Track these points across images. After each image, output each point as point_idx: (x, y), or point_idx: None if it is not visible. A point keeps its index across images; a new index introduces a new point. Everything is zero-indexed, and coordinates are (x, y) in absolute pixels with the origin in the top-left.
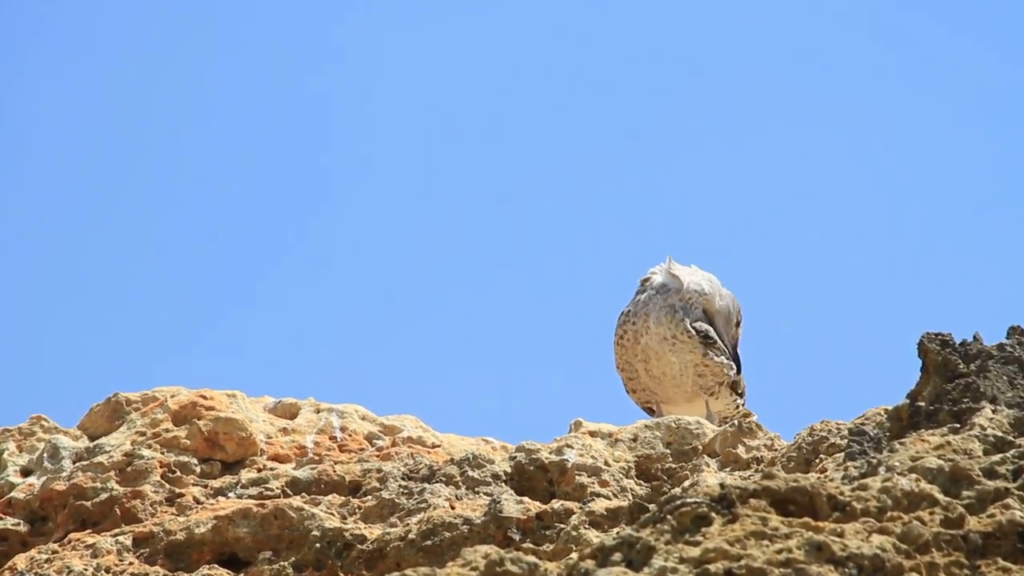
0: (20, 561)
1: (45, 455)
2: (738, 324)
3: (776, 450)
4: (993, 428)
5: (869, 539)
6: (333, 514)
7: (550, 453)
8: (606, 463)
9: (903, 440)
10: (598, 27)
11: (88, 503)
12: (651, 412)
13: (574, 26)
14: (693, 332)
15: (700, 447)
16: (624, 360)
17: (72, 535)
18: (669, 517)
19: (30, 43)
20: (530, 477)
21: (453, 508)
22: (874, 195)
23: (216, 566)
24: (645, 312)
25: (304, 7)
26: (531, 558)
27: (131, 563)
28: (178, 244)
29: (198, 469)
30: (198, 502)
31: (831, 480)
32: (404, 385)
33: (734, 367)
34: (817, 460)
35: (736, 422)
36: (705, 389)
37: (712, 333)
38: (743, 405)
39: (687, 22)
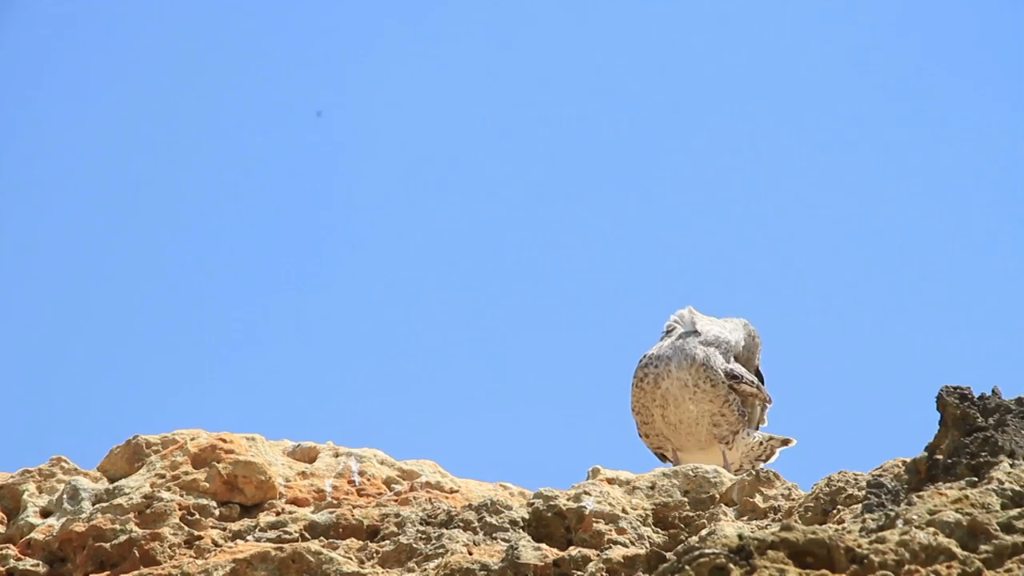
0: None
1: (65, 496)
2: (758, 345)
3: (794, 500)
4: (1011, 482)
5: None
6: (351, 558)
7: (568, 500)
8: (624, 510)
9: (921, 493)
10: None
11: (107, 545)
12: (663, 458)
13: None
14: (718, 380)
15: (718, 496)
16: (641, 404)
17: None
18: (687, 568)
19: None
20: (548, 524)
21: (471, 554)
22: (896, 245)
23: None
24: (668, 357)
25: (305, 9)
26: None
27: None
28: (199, 286)
29: (217, 512)
30: (217, 545)
31: (849, 532)
32: (423, 430)
33: (763, 393)
34: (835, 511)
35: (754, 471)
36: (719, 439)
37: (739, 371)
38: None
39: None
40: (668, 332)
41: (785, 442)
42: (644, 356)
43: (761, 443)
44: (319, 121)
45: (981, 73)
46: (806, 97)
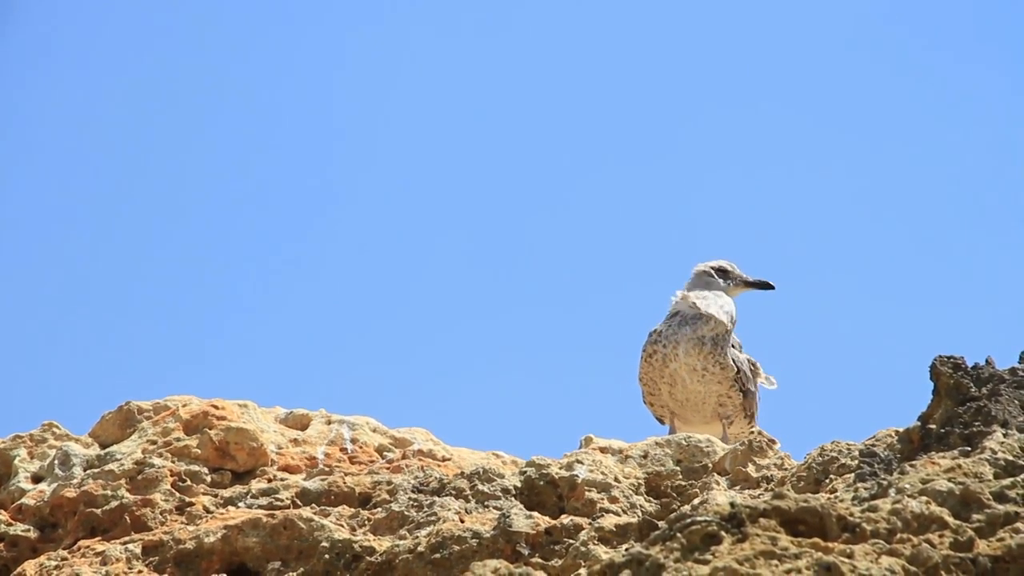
0: (29, 567)
1: (56, 462)
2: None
3: (786, 469)
4: (1004, 452)
5: (878, 561)
6: (343, 526)
7: (560, 468)
8: (616, 479)
9: (914, 462)
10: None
11: (98, 510)
12: (661, 422)
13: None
14: (727, 364)
15: (710, 465)
16: (648, 376)
17: (82, 542)
18: (679, 535)
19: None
20: (540, 492)
21: (462, 522)
22: (890, 216)
23: (225, 575)
24: (675, 340)
25: (307, 10)
26: (539, 573)
27: (140, 571)
28: (193, 253)
29: (208, 478)
30: (208, 511)
31: (841, 501)
32: (415, 398)
33: (754, 391)
34: (827, 480)
35: (747, 441)
36: (724, 416)
37: (746, 368)
38: (756, 427)
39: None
40: (674, 314)
41: (771, 442)
42: (653, 332)
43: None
44: (316, 90)
45: (971, 48)
46: (796, 64)
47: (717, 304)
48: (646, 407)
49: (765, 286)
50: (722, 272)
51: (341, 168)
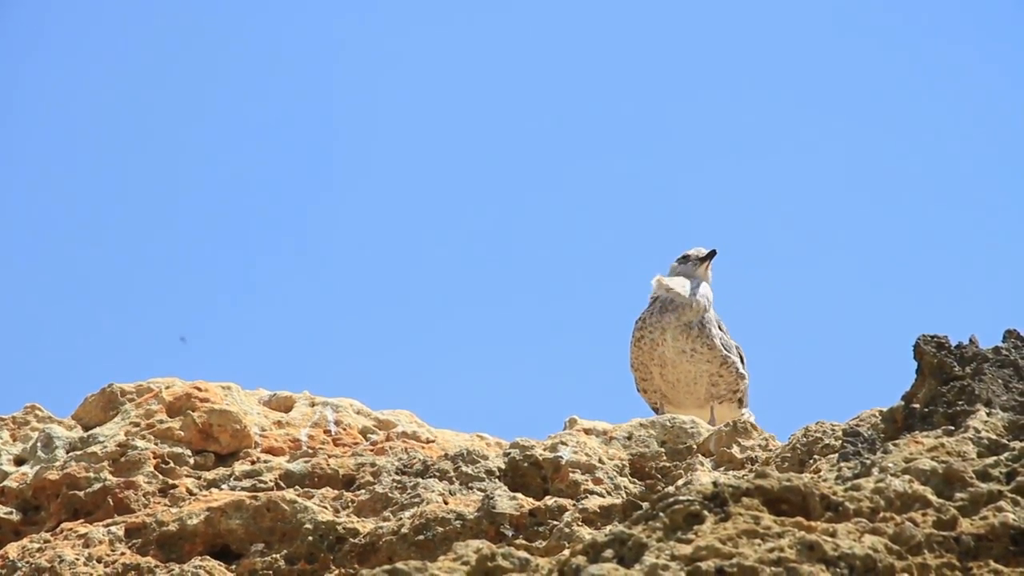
0: (12, 550)
1: (39, 444)
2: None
3: (771, 450)
4: (987, 431)
5: (861, 539)
6: (326, 507)
7: (544, 450)
8: (600, 461)
9: (897, 442)
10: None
11: (81, 493)
12: (657, 410)
13: (582, 30)
14: (715, 344)
15: (695, 446)
16: (639, 361)
17: (64, 525)
18: (661, 515)
19: (30, 38)
20: (524, 474)
21: (446, 503)
22: (872, 197)
23: (208, 558)
24: (662, 327)
25: (305, 7)
26: (522, 553)
27: (123, 553)
28: (175, 236)
29: (192, 461)
30: (191, 493)
31: (824, 480)
32: (399, 380)
33: (745, 375)
34: (811, 461)
35: (731, 422)
36: (716, 397)
37: (734, 353)
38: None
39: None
40: (654, 299)
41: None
42: (639, 319)
43: None
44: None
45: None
46: (774, 43)
47: (690, 287)
48: (640, 395)
49: (712, 255)
50: (684, 259)
51: (326, 154)
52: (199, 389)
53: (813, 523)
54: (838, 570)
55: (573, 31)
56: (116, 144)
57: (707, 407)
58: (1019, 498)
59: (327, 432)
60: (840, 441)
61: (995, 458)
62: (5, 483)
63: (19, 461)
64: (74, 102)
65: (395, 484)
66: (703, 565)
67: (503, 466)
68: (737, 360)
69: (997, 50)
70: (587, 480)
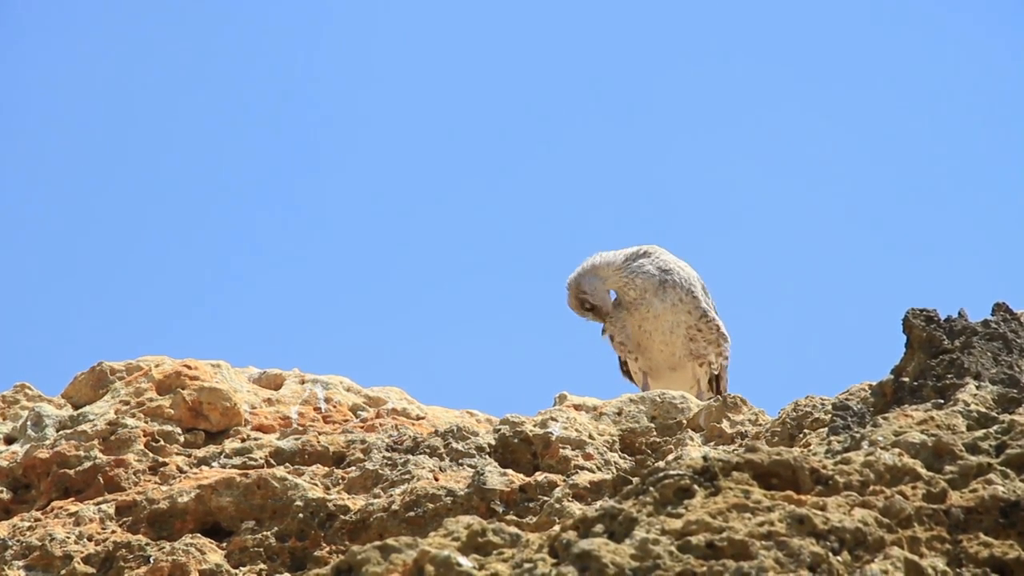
0: (2, 529)
1: (29, 423)
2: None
3: (761, 425)
4: (977, 404)
5: (851, 513)
6: (316, 485)
7: (534, 426)
8: (590, 436)
9: (887, 415)
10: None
11: (71, 471)
12: (623, 366)
13: (563, 22)
14: (697, 293)
15: (684, 421)
16: (616, 315)
17: (55, 503)
18: (651, 489)
19: (25, 35)
20: (514, 450)
21: (437, 480)
22: (860, 170)
23: (199, 535)
24: (644, 287)
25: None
26: (513, 529)
27: (114, 531)
28: (165, 214)
29: (182, 438)
30: (181, 471)
31: (814, 454)
32: (389, 357)
33: (727, 337)
34: (801, 435)
35: (721, 397)
36: (694, 354)
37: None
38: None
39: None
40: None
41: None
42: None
43: None
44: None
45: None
46: (747, 41)
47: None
48: (623, 375)
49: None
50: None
51: (313, 133)
52: (189, 367)
53: (803, 497)
54: (828, 543)
55: (560, 23)
56: (103, 125)
57: (681, 370)
58: (1008, 471)
59: (317, 409)
60: (830, 415)
61: (984, 431)
62: None
63: (9, 440)
64: (62, 88)
65: (385, 461)
66: (693, 539)
67: (493, 442)
68: (719, 321)
69: (971, 15)
70: (577, 456)
